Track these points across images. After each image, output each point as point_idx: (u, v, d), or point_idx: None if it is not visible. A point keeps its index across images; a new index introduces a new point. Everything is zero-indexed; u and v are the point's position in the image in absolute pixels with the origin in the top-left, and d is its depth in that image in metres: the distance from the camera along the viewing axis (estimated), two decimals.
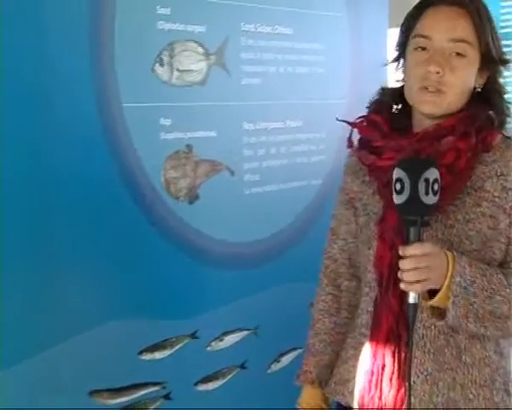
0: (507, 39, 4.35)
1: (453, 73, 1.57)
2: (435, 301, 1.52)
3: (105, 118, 2.12)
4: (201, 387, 2.42)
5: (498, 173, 1.60)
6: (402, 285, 1.48)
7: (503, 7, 4.38)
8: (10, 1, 1.89)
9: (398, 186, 1.45)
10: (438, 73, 1.56)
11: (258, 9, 2.55)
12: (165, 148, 2.29)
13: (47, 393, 2.01)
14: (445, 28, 1.59)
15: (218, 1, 2.41)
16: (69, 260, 2.07)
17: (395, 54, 1.73)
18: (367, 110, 1.76)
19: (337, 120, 1.81)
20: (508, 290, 1.55)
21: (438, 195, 1.46)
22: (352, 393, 1.71)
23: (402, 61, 1.71)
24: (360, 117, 1.75)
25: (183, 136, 2.33)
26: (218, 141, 2.44)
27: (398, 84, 1.74)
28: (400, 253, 1.47)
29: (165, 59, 2.26)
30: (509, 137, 1.65)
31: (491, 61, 1.63)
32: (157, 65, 2.24)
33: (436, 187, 1.45)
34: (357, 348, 1.73)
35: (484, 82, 1.65)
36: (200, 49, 2.36)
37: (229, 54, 2.46)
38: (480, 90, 1.65)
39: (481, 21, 1.59)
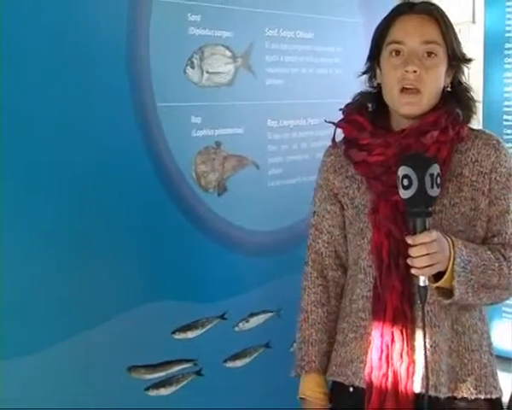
0: (510, 42, 4.34)
1: (427, 72, 1.61)
2: (442, 283, 1.55)
3: (141, 116, 2.14)
4: (230, 364, 2.43)
5: (473, 160, 1.67)
6: (413, 271, 1.52)
7: (508, 13, 4.34)
8: (54, 7, 1.92)
9: (405, 182, 1.50)
10: (415, 72, 1.60)
11: (280, 16, 2.56)
12: (195, 144, 2.30)
13: (91, 368, 2.04)
14: (416, 32, 1.63)
15: (244, 8, 2.42)
16: (111, 249, 2.10)
17: (367, 65, 1.76)
18: (344, 111, 1.77)
19: (325, 121, 1.83)
20: (496, 264, 1.62)
21: (440, 187, 1.52)
22: (355, 373, 1.72)
23: (375, 70, 1.73)
24: (342, 118, 1.77)
25: (212, 133, 2.34)
26: (245, 137, 2.45)
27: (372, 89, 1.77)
28: (410, 242, 1.50)
29: (196, 62, 2.27)
30: (473, 129, 1.71)
31: (456, 59, 1.68)
32: (188, 67, 2.25)
33: (438, 180, 1.51)
34: (357, 332, 1.74)
35: (450, 80, 1.69)
36: (228, 53, 2.37)
37: (255, 57, 2.47)
38: (449, 89, 1.70)
39: (446, 26, 1.66)
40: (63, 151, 1.95)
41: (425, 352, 1.57)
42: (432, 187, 1.49)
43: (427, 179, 1.49)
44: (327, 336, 1.82)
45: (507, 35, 4.29)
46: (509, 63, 4.28)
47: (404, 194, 1.51)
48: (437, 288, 1.58)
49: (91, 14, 2.00)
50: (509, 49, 4.29)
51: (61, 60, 1.94)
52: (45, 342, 1.92)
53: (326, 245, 1.82)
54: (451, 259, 1.53)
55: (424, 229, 1.50)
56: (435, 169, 1.50)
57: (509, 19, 4.29)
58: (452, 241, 1.55)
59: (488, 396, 1.67)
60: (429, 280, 1.54)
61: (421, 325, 1.61)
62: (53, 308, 1.94)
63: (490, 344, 1.74)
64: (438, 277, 1.55)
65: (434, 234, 1.50)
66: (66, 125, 1.96)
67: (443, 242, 1.52)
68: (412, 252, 1.50)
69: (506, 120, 4.26)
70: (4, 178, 1.84)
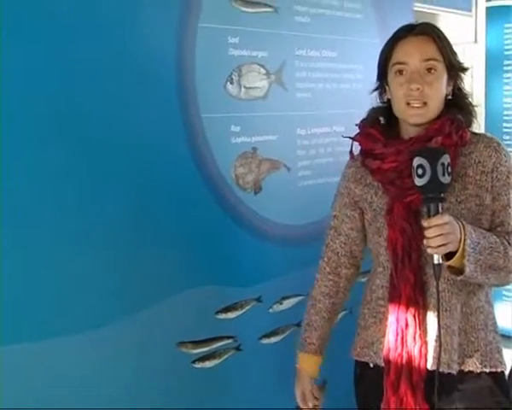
0: (509, 59, 4.31)
1: (430, 86, 1.61)
2: (453, 261, 1.55)
3: (188, 126, 2.15)
4: (265, 341, 2.43)
5: (476, 161, 1.66)
6: (429, 250, 1.52)
7: (507, 33, 4.32)
8: (116, 33, 1.94)
9: (420, 171, 1.51)
10: (418, 89, 1.60)
11: (308, 38, 2.56)
12: (235, 149, 2.31)
13: (146, 343, 2.05)
14: (416, 53, 1.63)
15: (277, 31, 2.43)
16: (164, 241, 2.10)
17: (377, 83, 1.76)
18: (360, 126, 1.78)
19: (342, 136, 1.86)
20: (502, 247, 1.62)
21: (451, 175, 1.52)
22: (377, 353, 1.73)
23: (384, 87, 1.74)
24: (358, 133, 1.78)
25: (249, 140, 2.35)
26: (277, 144, 2.45)
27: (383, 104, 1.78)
28: (425, 225, 1.51)
29: (235, 78, 2.28)
30: (475, 133, 1.70)
31: (454, 70, 1.67)
32: (228, 83, 2.26)
33: (449, 169, 1.52)
34: (377, 317, 1.75)
35: (451, 89, 1.68)
36: (263, 70, 2.38)
37: (286, 73, 2.47)
38: (450, 97, 1.68)
39: (442, 42, 1.66)
40: (122, 157, 1.97)
41: (439, 329, 1.58)
42: (443, 175, 1.50)
43: (439, 168, 1.50)
44: (329, 323, 1.87)
45: (505, 53, 4.32)
46: (507, 78, 4.30)
47: (419, 182, 1.52)
48: (449, 267, 1.57)
49: (146, 38, 2.02)
50: (507, 65, 4.31)
51: (122, 77, 1.96)
52: (106, 320, 1.94)
53: (343, 245, 1.83)
54: (462, 240, 1.53)
55: (437, 213, 1.50)
56: (446, 159, 1.51)
57: (506, 39, 4.32)
58: (463, 224, 1.54)
59: (493, 370, 1.67)
60: (442, 259, 1.53)
61: (434, 308, 1.62)
62: (113, 291, 1.96)
63: (495, 324, 1.73)
64: (449, 258, 1.55)
65: (447, 217, 1.51)
66: (125, 133, 1.98)
67: (454, 224, 1.52)
68: (428, 233, 1.50)
69: (505, 127, 4.28)
70: (79, 181, 1.88)
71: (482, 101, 4.18)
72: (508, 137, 4.22)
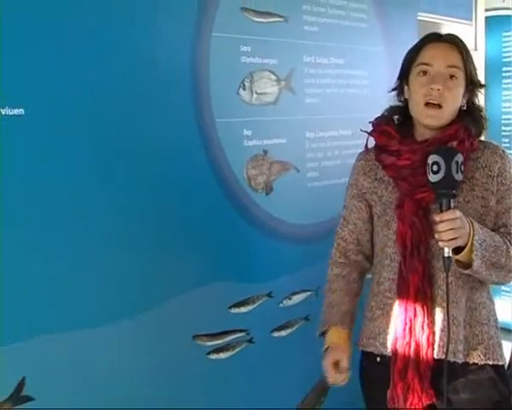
0: (507, 66, 4.31)
1: (449, 91, 1.62)
2: (462, 256, 1.56)
3: (203, 130, 2.16)
4: (276, 334, 2.43)
5: (483, 166, 1.67)
6: (440, 243, 1.54)
7: (505, 41, 4.32)
8: (137, 42, 1.95)
9: (435, 168, 1.53)
10: (438, 90, 1.61)
11: (316, 46, 2.56)
12: (247, 152, 2.31)
13: (163, 336, 2.06)
14: (442, 57, 1.64)
15: (286, 40, 2.42)
16: (180, 241, 2.12)
17: (396, 82, 1.76)
18: (374, 123, 1.78)
19: (360, 130, 1.83)
20: (504, 247, 1.63)
21: (463, 173, 1.54)
22: (383, 344, 1.72)
23: (403, 87, 1.73)
24: (373, 129, 1.77)
25: (260, 143, 2.35)
26: (287, 146, 2.45)
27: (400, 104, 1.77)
28: (437, 219, 1.52)
29: (247, 85, 2.28)
30: (482, 141, 1.72)
31: (472, 84, 1.68)
32: (241, 89, 2.27)
33: (462, 168, 1.54)
34: (384, 309, 1.74)
35: (466, 101, 1.68)
36: (273, 77, 2.38)
37: (295, 80, 2.47)
38: (464, 108, 1.69)
39: (467, 54, 1.66)
40: (141, 159, 1.98)
41: (448, 319, 1.58)
42: (457, 172, 1.52)
43: (453, 166, 1.52)
44: (347, 299, 1.79)
45: (504, 60, 4.34)
46: (506, 83, 4.34)
47: (433, 178, 1.54)
48: (457, 261, 1.58)
49: (164, 46, 2.03)
50: (506, 71, 4.33)
51: (140, 84, 1.97)
52: (129, 314, 1.96)
53: (350, 233, 1.82)
54: (471, 236, 1.54)
55: (449, 208, 1.52)
56: (460, 158, 1.53)
57: (505, 46, 4.34)
58: (472, 222, 1.56)
59: (495, 362, 1.68)
60: (452, 253, 1.54)
61: (441, 300, 1.63)
62: (135, 287, 1.98)
63: (496, 320, 1.74)
64: (457, 252, 1.56)
65: (458, 212, 1.52)
66: (144, 137, 1.99)
67: (464, 221, 1.53)
68: (440, 227, 1.51)
69: (504, 130, 4.31)
70: (103, 183, 1.90)
71: (482, 105, 4.18)
72: (507, 140, 4.24)
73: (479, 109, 1.73)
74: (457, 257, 1.56)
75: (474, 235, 1.54)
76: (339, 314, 1.77)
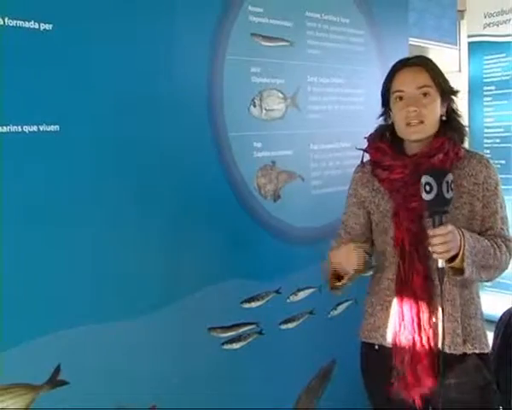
0: (488, 85, 4.30)
1: (425, 107, 1.60)
2: (455, 264, 1.53)
3: (217, 143, 2.13)
4: (283, 326, 2.39)
5: (470, 174, 1.64)
6: (434, 255, 1.50)
7: (486, 64, 4.33)
8: (159, 65, 1.91)
9: (427, 188, 1.49)
10: (415, 111, 1.59)
11: (319, 67, 2.52)
12: (257, 162, 2.27)
13: (182, 328, 2.03)
14: (411, 81, 1.62)
15: (292, 62, 2.39)
16: (199, 243, 2.08)
17: (382, 109, 1.74)
18: (368, 139, 1.76)
19: (356, 148, 1.81)
20: (492, 250, 1.60)
21: (453, 191, 1.50)
22: (383, 336, 1.70)
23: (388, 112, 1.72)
24: (368, 145, 1.75)
25: (269, 154, 2.31)
26: (293, 157, 2.41)
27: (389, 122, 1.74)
28: (431, 234, 1.48)
29: (257, 102, 2.25)
30: (468, 150, 1.69)
31: (446, 93, 1.65)
32: (251, 106, 2.23)
33: (452, 186, 1.50)
34: (383, 305, 1.72)
35: (445, 110, 1.66)
36: (281, 95, 2.34)
37: (300, 98, 2.43)
38: (445, 118, 1.66)
39: (434, 71, 1.64)
40: (162, 172, 1.95)
41: (443, 321, 1.56)
42: (447, 191, 1.49)
43: (444, 185, 1.48)
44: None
45: (485, 81, 4.37)
46: (487, 101, 4.35)
47: (426, 197, 1.49)
48: (450, 268, 1.55)
49: (182, 68, 2.01)
50: (487, 90, 4.36)
51: (160, 102, 1.94)
52: (153, 308, 1.93)
53: (347, 235, 1.80)
54: (462, 246, 1.51)
55: (441, 223, 1.48)
56: (450, 177, 1.50)
57: (486, 69, 4.36)
58: (462, 232, 1.53)
59: (481, 351, 1.66)
60: (445, 263, 1.52)
61: (439, 300, 1.59)
62: (159, 284, 1.96)
63: (481, 313, 1.71)
64: (451, 260, 1.53)
65: (450, 227, 1.48)
66: (163, 151, 1.96)
67: (455, 233, 1.50)
68: (433, 241, 1.48)
69: (486, 143, 4.34)
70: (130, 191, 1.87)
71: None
72: (488, 151, 4.25)
73: (457, 116, 1.70)
74: (450, 265, 1.54)
75: (464, 244, 1.51)
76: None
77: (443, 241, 1.47)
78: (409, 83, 1.62)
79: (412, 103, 1.60)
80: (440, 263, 1.51)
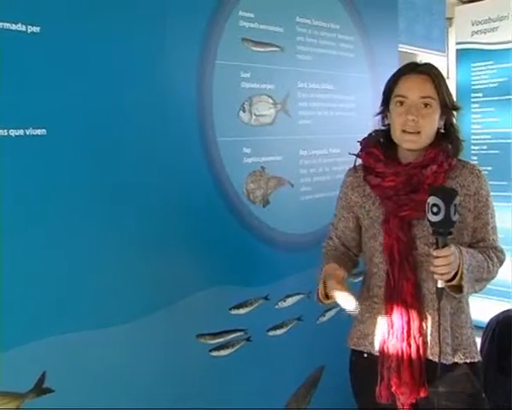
0: (476, 92, 4.33)
1: (424, 118, 1.57)
2: (454, 282, 1.52)
3: (206, 148, 2.10)
4: (271, 333, 2.37)
5: (461, 185, 1.62)
6: (436, 276, 1.48)
7: (473, 71, 4.35)
8: (146, 74, 1.89)
9: (435, 209, 1.44)
10: (413, 120, 1.57)
11: (309, 73, 2.51)
12: (246, 168, 2.25)
13: (170, 334, 2.00)
14: (416, 89, 1.59)
15: (282, 68, 2.38)
16: (186, 249, 2.06)
17: (381, 108, 1.72)
18: (362, 143, 1.73)
19: (349, 153, 1.78)
20: (485, 264, 1.59)
21: (459, 213, 1.48)
22: (371, 343, 1.69)
23: (386, 113, 1.70)
24: (361, 150, 1.72)
25: (258, 160, 2.29)
26: (283, 163, 2.40)
27: (384, 127, 1.73)
28: (435, 254, 1.46)
29: (246, 107, 2.23)
30: (461, 160, 1.66)
31: (447, 108, 1.63)
32: (241, 111, 2.22)
33: (459, 209, 1.47)
34: (372, 312, 1.70)
35: (443, 123, 1.64)
36: (270, 100, 2.33)
37: (290, 103, 2.42)
38: (442, 130, 1.65)
39: (439, 83, 1.61)
40: (151, 175, 1.93)
41: (438, 330, 1.55)
42: (454, 214, 1.44)
43: (452, 208, 1.44)
44: (342, 261, 1.69)
45: (472, 87, 4.42)
46: (474, 108, 4.40)
47: (433, 218, 1.45)
48: (448, 286, 1.54)
49: (171, 73, 1.99)
50: (474, 97, 4.40)
51: (149, 108, 1.92)
52: (140, 314, 1.91)
53: (337, 237, 1.80)
54: (461, 265, 1.50)
55: (445, 245, 1.46)
56: (457, 200, 1.46)
57: (473, 76, 4.41)
58: (460, 250, 1.51)
59: (472, 360, 1.64)
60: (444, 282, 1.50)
61: (431, 311, 1.60)
62: (146, 291, 1.93)
63: (471, 322, 1.70)
64: (450, 279, 1.52)
65: (453, 248, 1.47)
66: (153, 156, 1.94)
67: (456, 254, 1.48)
68: (435, 262, 1.46)
69: (473, 149, 4.37)
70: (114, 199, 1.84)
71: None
72: (475, 158, 4.28)
73: (456, 131, 1.68)
74: (450, 284, 1.52)
75: (463, 263, 1.50)
76: (333, 260, 1.68)
77: (446, 262, 1.45)
78: (413, 90, 1.59)
79: (412, 112, 1.58)
80: (440, 283, 1.49)
